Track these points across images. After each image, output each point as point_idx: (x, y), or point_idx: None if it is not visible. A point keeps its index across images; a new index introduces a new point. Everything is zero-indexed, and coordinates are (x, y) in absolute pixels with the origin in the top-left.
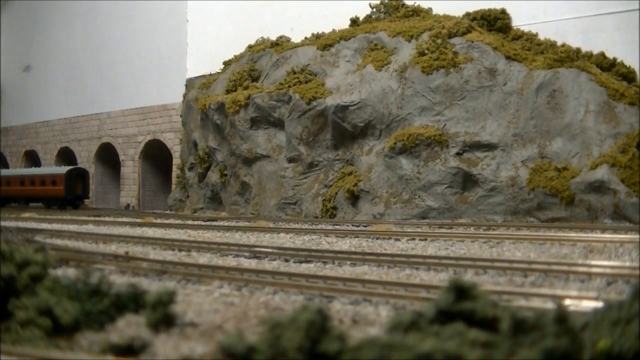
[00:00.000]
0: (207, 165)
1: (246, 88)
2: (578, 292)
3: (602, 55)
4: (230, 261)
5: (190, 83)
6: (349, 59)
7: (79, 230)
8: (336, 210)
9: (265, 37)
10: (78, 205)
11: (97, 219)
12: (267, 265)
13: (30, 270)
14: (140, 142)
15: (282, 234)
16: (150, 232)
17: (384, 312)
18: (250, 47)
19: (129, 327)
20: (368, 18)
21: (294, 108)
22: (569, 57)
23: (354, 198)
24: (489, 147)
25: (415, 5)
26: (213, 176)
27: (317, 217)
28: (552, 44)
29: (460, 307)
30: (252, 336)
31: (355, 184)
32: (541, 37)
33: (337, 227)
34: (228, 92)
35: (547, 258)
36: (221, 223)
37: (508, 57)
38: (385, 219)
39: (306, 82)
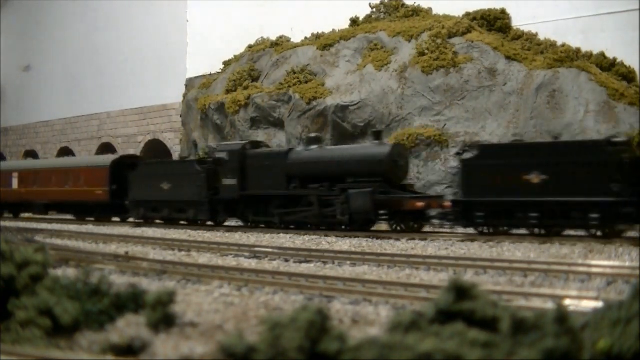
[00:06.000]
0: None
1: (246, 88)
2: (578, 292)
3: (602, 55)
4: (230, 261)
5: (190, 83)
6: (349, 59)
7: (79, 230)
8: None
9: (265, 37)
10: None
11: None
12: (267, 265)
13: (30, 270)
14: (140, 142)
15: (282, 234)
16: (150, 232)
17: (384, 312)
18: (250, 47)
19: (129, 327)
20: (368, 18)
21: (294, 108)
22: (569, 57)
23: None
24: None
25: (415, 5)
26: None
27: None
28: (552, 44)
29: (460, 307)
30: (252, 336)
31: None
32: (541, 37)
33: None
34: (228, 92)
35: (547, 258)
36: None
37: (508, 57)
38: None
39: (306, 82)
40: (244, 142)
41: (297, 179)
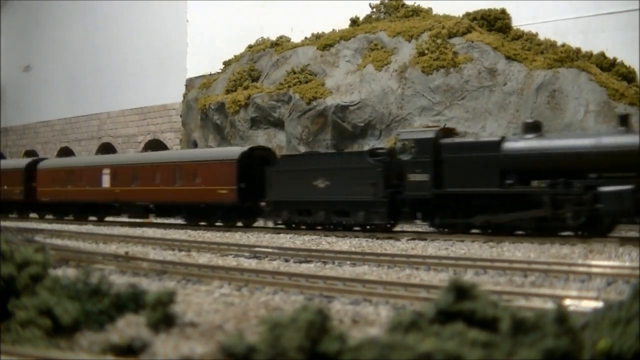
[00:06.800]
0: None
1: (246, 88)
2: (578, 292)
3: (602, 55)
4: (230, 261)
5: (190, 83)
6: (349, 59)
7: (79, 230)
8: None
9: (265, 37)
10: None
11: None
12: (267, 265)
13: (30, 270)
14: (140, 142)
15: (282, 234)
16: (150, 232)
17: (384, 312)
18: (250, 47)
19: (129, 327)
20: (368, 18)
21: (294, 108)
22: (569, 57)
23: None
24: None
25: (415, 5)
26: None
27: None
28: (552, 44)
29: (460, 307)
30: (252, 336)
31: None
32: (541, 37)
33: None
34: (228, 92)
35: (547, 258)
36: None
37: (508, 57)
38: None
39: (306, 82)
40: (435, 128)
41: (514, 174)
